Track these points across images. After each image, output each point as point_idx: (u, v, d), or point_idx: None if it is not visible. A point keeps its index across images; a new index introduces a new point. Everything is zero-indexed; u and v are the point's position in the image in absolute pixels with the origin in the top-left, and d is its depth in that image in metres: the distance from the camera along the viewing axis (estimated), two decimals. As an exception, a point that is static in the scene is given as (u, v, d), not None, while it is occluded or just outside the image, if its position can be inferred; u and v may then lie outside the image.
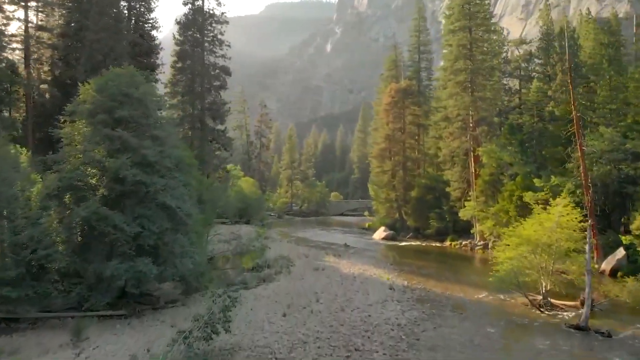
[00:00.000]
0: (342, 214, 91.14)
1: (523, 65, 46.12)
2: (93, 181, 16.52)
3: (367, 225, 61.37)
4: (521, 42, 51.26)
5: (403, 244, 42.54)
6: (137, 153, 15.70)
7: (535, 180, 32.45)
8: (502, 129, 40.13)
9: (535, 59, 47.14)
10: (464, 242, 40.48)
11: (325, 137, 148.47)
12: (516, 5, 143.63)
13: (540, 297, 19.46)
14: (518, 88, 45.21)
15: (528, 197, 32.04)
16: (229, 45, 32.53)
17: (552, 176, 31.80)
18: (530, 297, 19.39)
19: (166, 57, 36.16)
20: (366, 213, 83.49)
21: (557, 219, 19.53)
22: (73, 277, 15.80)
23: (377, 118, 62.19)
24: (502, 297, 20.96)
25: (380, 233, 46.62)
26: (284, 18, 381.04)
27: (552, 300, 19.47)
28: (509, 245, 20.73)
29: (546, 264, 19.43)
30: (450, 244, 41.17)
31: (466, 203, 38.16)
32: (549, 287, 19.43)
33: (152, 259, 15.45)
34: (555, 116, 36.64)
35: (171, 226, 16.41)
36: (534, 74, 45.67)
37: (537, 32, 49.17)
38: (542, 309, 18.72)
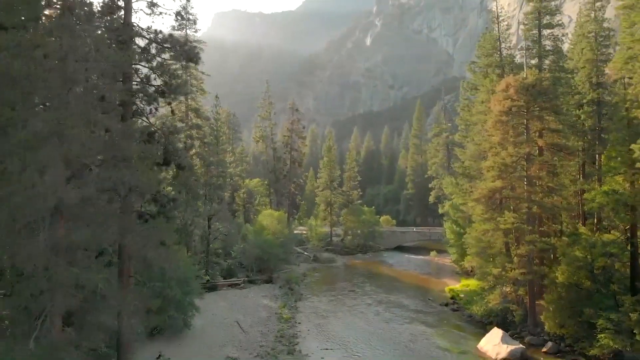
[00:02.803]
0: (397, 248, 70.01)
1: None
2: None
3: (448, 291, 40.23)
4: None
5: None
6: None
7: None
8: None
9: None
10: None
11: (370, 142, 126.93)
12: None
13: None
14: None
15: None
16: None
17: None
18: None
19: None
20: (433, 253, 61.63)
21: None
22: None
23: (473, 130, 40.70)
24: None
25: (497, 345, 25.64)
26: (321, 13, 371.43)
27: None
28: None
29: None
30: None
31: None
32: None
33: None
34: None
35: None
36: None
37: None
38: None
